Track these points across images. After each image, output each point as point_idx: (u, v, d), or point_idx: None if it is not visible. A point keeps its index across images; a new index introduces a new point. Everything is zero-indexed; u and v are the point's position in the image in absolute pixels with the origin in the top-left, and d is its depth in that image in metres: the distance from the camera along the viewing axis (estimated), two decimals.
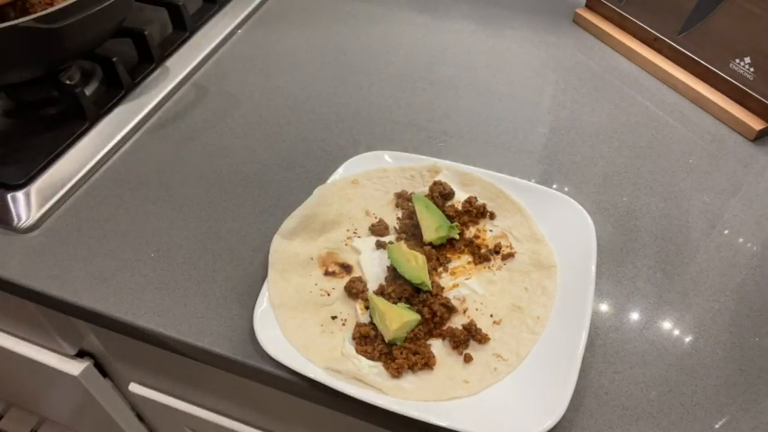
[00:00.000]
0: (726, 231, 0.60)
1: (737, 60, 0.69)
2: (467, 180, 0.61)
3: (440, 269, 0.55)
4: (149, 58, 0.77)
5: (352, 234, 0.58)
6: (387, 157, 0.63)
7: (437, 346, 0.50)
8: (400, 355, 0.48)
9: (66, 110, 0.71)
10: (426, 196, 0.59)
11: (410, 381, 0.47)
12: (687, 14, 0.72)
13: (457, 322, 0.51)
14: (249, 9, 0.89)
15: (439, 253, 0.56)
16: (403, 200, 0.60)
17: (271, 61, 0.81)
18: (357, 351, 0.49)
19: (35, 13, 0.60)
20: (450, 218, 0.58)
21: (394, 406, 0.45)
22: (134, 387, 0.74)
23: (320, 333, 0.50)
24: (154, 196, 0.63)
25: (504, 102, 0.75)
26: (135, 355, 0.68)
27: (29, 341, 0.76)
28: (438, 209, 0.58)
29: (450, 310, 0.51)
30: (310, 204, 0.59)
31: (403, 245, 0.55)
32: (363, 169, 0.62)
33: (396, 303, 0.51)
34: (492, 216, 0.59)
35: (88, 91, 0.73)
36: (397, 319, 0.49)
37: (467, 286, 0.54)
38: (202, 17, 0.85)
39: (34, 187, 0.62)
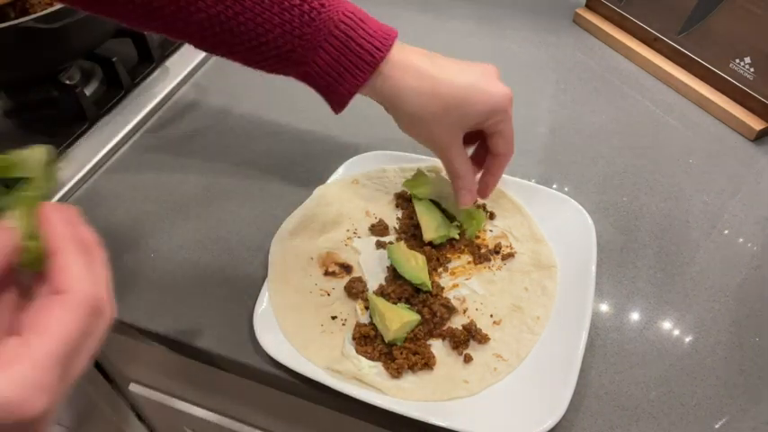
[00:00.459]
0: (726, 231, 0.60)
1: (737, 60, 0.69)
2: None
3: (440, 269, 0.55)
4: (149, 58, 0.77)
5: (352, 234, 0.58)
6: (387, 158, 0.63)
7: (437, 347, 0.50)
8: (400, 356, 0.48)
9: (66, 110, 0.71)
10: None
11: (410, 381, 0.47)
12: (687, 14, 0.72)
13: (457, 322, 0.51)
14: None
15: (439, 253, 0.56)
16: (403, 200, 0.60)
17: None
18: (357, 351, 0.49)
19: (35, 13, 0.60)
20: (451, 218, 0.58)
21: (394, 406, 0.45)
22: (134, 387, 0.74)
23: (320, 333, 0.50)
24: (154, 196, 0.63)
25: None
26: (135, 355, 0.68)
27: None
28: (438, 209, 0.58)
29: (450, 310, 0.51)
30: (310, 204, 0.59)
31: (403, 245, 0.55)
32: (363, 169, 0.62)
33: (396, 303, 0.51)
34: (492, 216, 0.59)
35: (88, 91, 0.73)
36: (397, 319, 0.49)
37: (467, 286, 0.54)
38: None
39: None
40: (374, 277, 0.54)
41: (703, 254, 0.57)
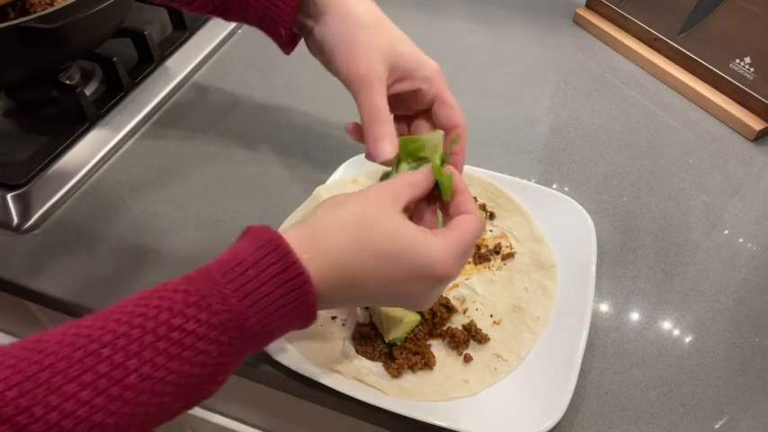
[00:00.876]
0: (726, 231, 0.60)
1: (738, 60, 0.69)
2: (467, 180, 0.61)
3: None
4: (149, 58, 0.77)
5: None
6: None
7: (437, 347, 0.50)
8: (400, 356, 0.48)
9: (66, 110, 0.71)
10: None
11: (410, 381, 0.47)
12: (687, 14, 0.72)
13: (457, 322, 0.51)
14: None
15: None
16: None
17: (271, 61, 0.81)
18: (357, 351, 0.49)
19: (35, 13, 0.60)
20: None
21: (394, 406, 0.45)
22: None
23: (320, 333, 0.50)
24: (154, 196, 0.63)
25: (503, 102, 0.75)
26: None
27: None
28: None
29: (450, 310, 0.51)
30: (310, 204, 0.58)
31: None
32: (363, 169, 0.62)
33: None
34: (492, 216, 0.59)
35: (88, 91, 0.73)
36: (396, 319, 0.49)
37: (467, 286, 0.54)
38: (202, 17, 0.85)
39: (34, 187, 0.62)
40: None
41: (703, 254, 0.57)
